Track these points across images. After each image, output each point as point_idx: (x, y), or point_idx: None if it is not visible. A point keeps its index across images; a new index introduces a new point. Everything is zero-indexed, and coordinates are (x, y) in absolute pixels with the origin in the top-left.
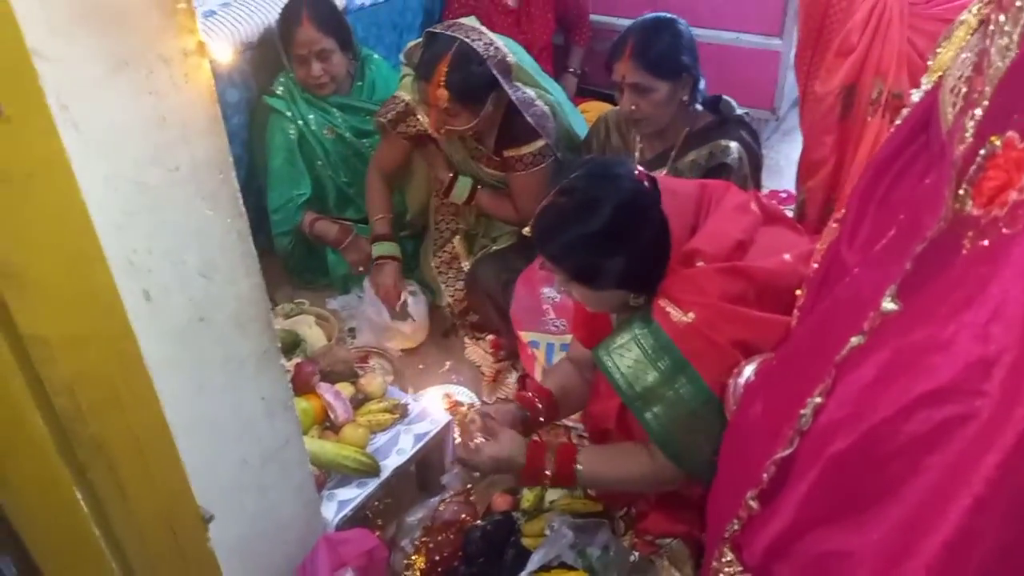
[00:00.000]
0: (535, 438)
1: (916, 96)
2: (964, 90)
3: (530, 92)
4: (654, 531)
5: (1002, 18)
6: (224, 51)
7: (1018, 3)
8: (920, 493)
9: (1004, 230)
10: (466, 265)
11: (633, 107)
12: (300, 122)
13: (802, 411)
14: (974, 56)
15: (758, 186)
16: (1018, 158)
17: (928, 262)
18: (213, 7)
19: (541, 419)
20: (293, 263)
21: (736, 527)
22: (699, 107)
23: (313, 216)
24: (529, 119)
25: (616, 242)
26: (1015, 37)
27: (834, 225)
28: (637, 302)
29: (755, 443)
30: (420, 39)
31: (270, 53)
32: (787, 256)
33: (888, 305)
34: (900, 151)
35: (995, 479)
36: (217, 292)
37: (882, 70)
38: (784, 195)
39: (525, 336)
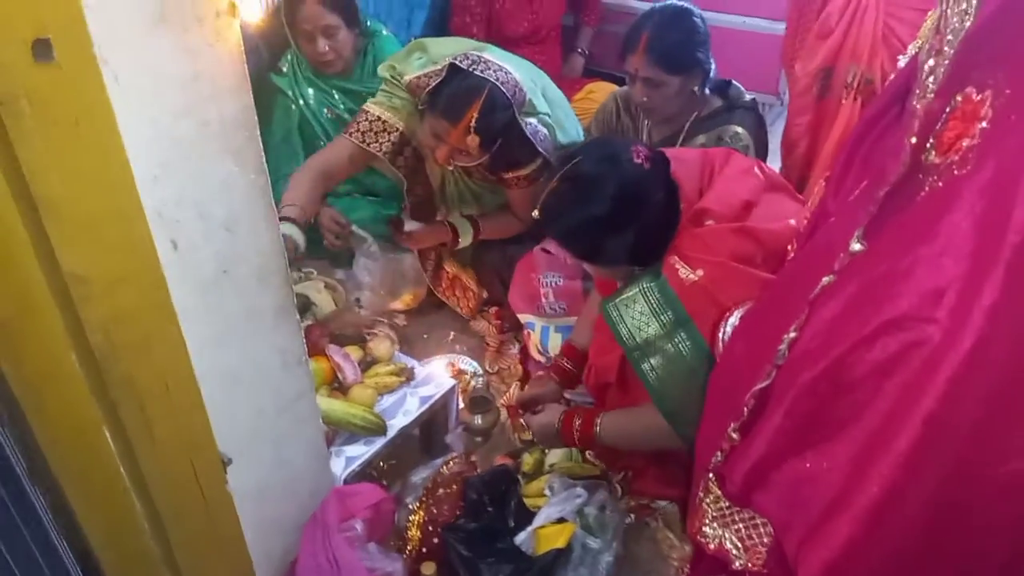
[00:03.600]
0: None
1: (902, 61)
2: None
3: (533, 122)
4: (648, 493)
5: None
6: (252, 12)
7: None
8: (879, 414)
9: (956, 172)
10: (470, 282)
11: (645, 99)
12: (300, 101)
13: (779, 347)
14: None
15: None
16: (973, 110)
17: (893, 205)
18: None
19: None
20: None
21: (719, 458)
22: (708, 92)
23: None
24: (539, 148)
25: (619, 224)
26: (973, 3)
27: (822, 183)
28: (642, 272)
29: (738, 379)
30: (431, 72)
31: (278, 27)
32: (792, 221)
33: (855, 246)
34: (886, 110)
35: (946, 394)
36: (240, 245)
37: (857, 55)
38: None
39: (521, 318)
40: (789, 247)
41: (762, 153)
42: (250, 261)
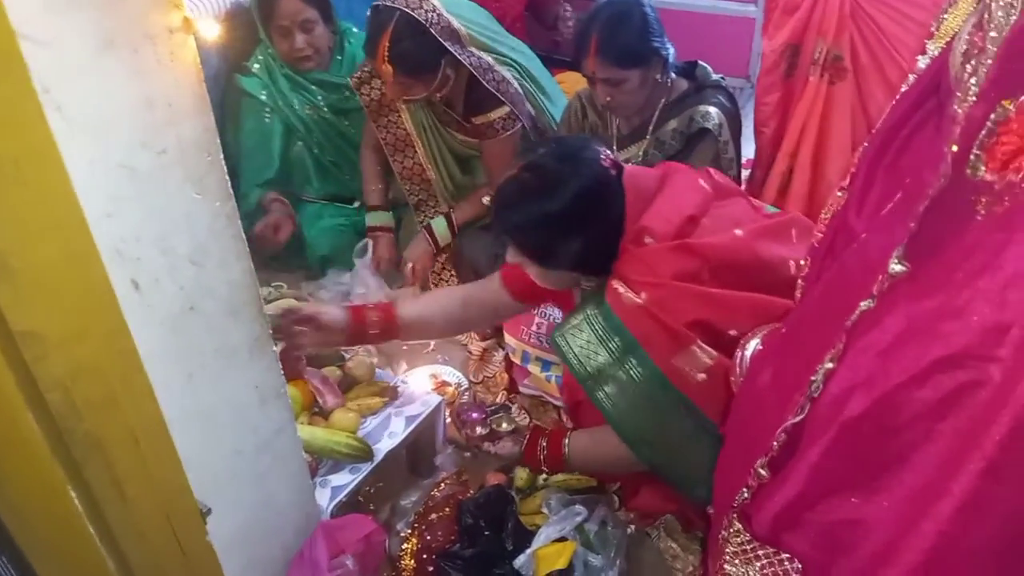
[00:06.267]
0: (536, 424)
1: (922, 62)
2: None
3: (486, 58)
4: (646, 509)
5: None
6: (209, 27)
7: None
8: (932, 459)
9: (1022, 196)
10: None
11: (609, 99)
12: (279, 101)
13: (812, 378)
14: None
15: (738, 151)
16: None
17: (937, 224)
18: None
19: (371, 333)
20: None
21: (745, 496)
22: (673, 76)
23: (272, 196)
24: (487, 85)
25: (573, 225)
26: None
27: (839, 193)
28: (588, 285)
29: (764, 411)
30: None
31: (240, 27)
32: (738, 231)
33: (895, 267)
34: (908, 116)
35: (1006, 443)
36: (208, 279)
37: (824, 30)
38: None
39: (507, 338)
40: (802, 261)
41: (735, 130)
42: (219, 294)
